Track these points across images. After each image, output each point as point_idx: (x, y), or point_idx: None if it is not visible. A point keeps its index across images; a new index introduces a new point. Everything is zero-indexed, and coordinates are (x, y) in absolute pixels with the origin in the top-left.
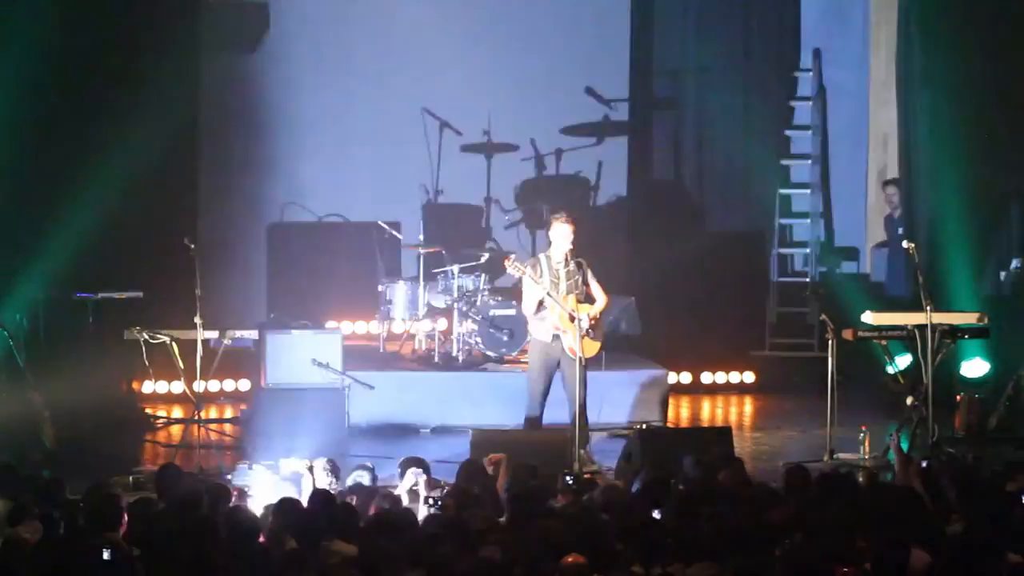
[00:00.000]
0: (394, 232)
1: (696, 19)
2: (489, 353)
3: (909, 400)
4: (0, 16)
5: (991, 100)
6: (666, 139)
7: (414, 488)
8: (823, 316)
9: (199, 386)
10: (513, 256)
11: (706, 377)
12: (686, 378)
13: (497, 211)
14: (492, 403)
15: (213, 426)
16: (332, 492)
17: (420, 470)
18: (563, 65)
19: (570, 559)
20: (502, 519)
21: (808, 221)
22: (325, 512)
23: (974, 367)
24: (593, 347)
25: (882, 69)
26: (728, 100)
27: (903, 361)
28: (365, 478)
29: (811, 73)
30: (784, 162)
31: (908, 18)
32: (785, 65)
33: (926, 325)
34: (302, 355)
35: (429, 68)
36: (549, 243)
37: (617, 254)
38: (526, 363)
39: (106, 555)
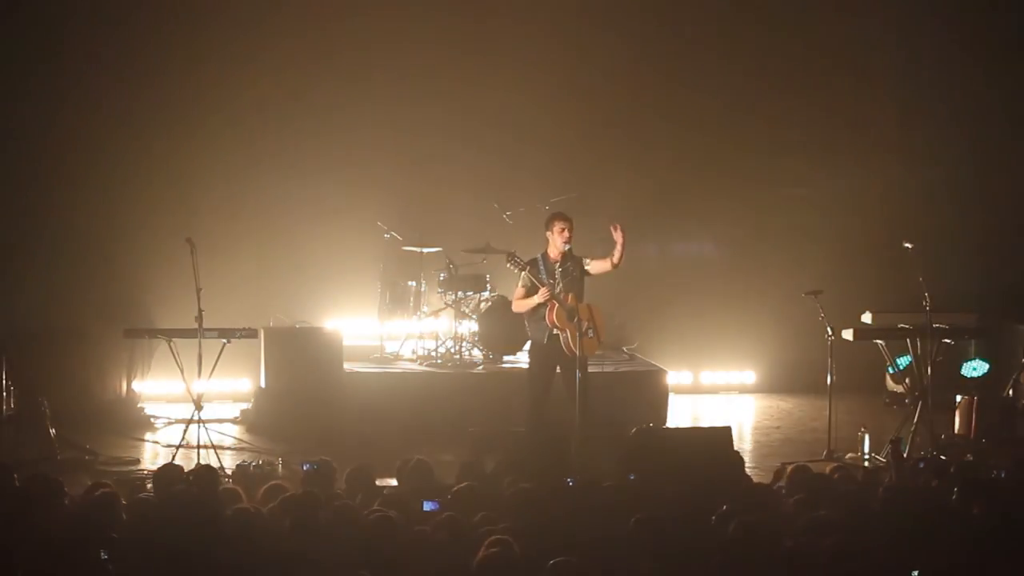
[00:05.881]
0: (394, 233)
1: None
2: (489, 353)
3: (908, 400)
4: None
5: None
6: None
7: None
8: (822, 315)
9: (199, 386)
10: (513, 253)
11: (706, 377)
12: (686, 378)
13: (498, 211)
14: (492, 403)
15: (213, 426)
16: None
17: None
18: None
19: (561, 560)
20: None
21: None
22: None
23: (974, 367)
24: (593, 346)
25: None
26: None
27: (903, 362)
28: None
29: None
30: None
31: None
32: None
33: (925, 326)
34: (302, 355)
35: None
36: (547, 242)
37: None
38: (526, 363)
39: (104, 555)
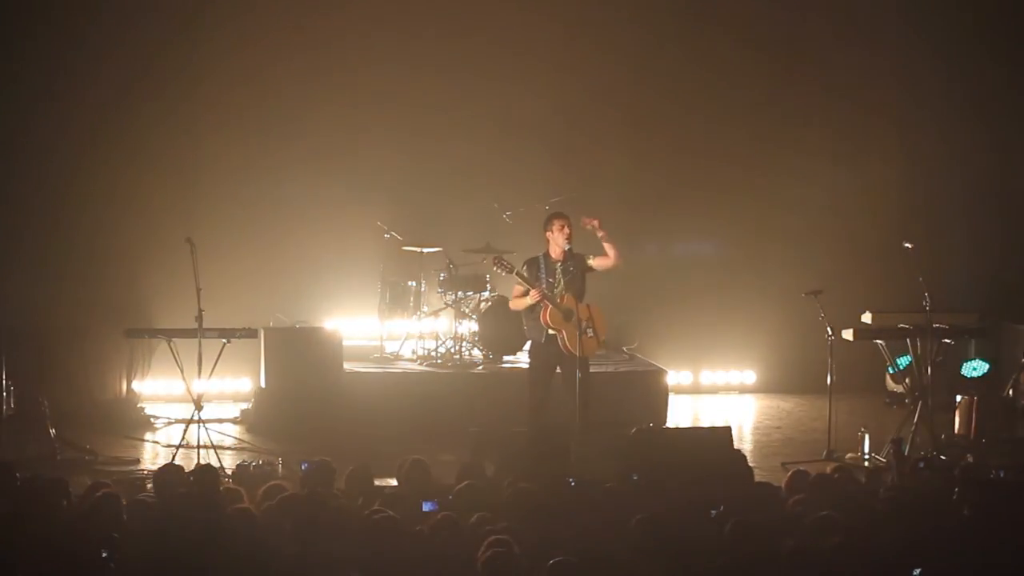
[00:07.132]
0: (394, 233)
1: None
2: (489, 353)
3: (908, 400)
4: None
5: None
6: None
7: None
8: (822, 315)
9: (199, 386)
10: (500, 256)
11: (706, 377)
12: (686, 378)
13: (498, 211)
14: (492, 403)
15: (213, 426)
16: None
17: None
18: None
19: (561, 560)
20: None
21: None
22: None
23: (974, 367)
24: (592, 345)
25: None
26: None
27: (903, 362)
28: None
29: None
30: None
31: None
32: None
33: (925, 326)
34: (302, 355)
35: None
36: (547, 243)
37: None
38: (527, 363)
39: (105, 555)
